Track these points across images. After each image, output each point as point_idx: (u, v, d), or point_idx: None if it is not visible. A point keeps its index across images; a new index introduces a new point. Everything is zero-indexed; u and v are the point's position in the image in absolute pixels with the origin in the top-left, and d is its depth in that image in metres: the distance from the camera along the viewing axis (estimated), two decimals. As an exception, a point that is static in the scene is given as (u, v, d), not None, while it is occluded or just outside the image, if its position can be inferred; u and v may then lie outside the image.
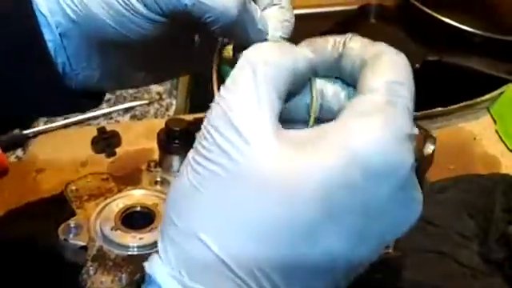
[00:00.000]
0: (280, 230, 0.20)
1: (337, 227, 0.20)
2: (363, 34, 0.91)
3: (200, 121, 0.50)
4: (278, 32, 0.27)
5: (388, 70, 0.23)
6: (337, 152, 0.20)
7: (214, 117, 0.22)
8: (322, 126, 0.22)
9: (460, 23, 0.63)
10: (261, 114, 0.21)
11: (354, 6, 0.77)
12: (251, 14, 0.26)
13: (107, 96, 0.68)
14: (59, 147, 0.58)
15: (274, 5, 0.28)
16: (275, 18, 0.27)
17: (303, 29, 0.90)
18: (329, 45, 0.24)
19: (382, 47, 0.24)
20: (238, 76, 0.22)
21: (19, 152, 0.58)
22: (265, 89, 0.22)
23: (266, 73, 0.22)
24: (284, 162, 0.20)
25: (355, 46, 0.24)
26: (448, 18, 0.64)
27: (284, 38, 0.27)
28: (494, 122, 0.57)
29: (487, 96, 0.58)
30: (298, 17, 0.96)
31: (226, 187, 0.21)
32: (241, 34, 0.26)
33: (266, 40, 0.26)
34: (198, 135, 0.23)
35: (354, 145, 0.20)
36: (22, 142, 0.59)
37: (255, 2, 0.27)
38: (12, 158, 0.57)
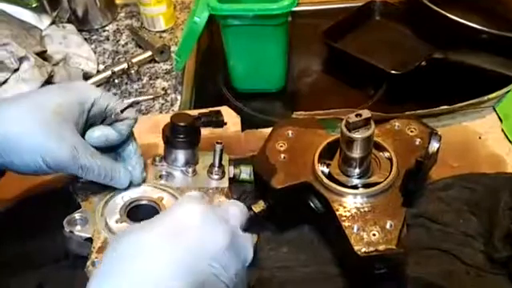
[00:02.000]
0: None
1: None
2: (368, 31, 0.91)
3: (205, 115, 0.51)
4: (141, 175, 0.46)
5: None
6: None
7: None
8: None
9: (466, 20, 0.62)
10: None
11: (359, 3, 0.77)
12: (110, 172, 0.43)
13: (112, 91, 0.69)
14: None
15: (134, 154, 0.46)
16: (138, 166, 0.46)
17: (308, 25, 0.90)
18: None
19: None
20: None
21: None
22: None
23: None
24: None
25: None
26: (454, 14, 0.63)
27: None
28: (500, 120, 0.57)
29: (493, 94, 0.57)
30: (302, 13, 0.95)
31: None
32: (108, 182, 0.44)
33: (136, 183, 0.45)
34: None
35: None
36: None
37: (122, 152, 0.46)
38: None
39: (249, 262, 0.35)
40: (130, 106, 0.44)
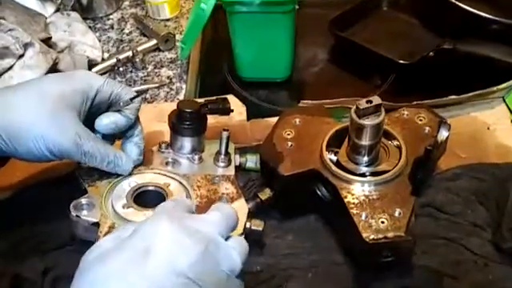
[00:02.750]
0: None
1: None
2: (376, 21, 0.89)
3: (211, 102, 0.50)
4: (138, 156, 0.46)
5: None
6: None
7: None
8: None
9: (476, 9, 0.61)
10: None
11: (367, -7, 0.76)
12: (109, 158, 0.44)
13: (117, 79, 0.69)
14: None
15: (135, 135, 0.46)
16: (137, 147, 0.46)
17: (315, 15, 0.88)
18: None
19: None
20: None
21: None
22: None
23: None
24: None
25: None
26: (463, 3, 0.62)
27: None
28: (510, 111, 0.56)
29: (503, 85, 0.57)
30: (310, 3, 0.94)
31: None
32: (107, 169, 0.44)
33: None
34: None
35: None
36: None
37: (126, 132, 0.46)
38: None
39: (236, 272, 0.32)
40: (138, 95, 0.44)
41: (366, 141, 0.42)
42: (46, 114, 0.40)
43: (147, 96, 0.66)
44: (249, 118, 0.58)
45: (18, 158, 0.42)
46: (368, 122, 0.41)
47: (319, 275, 0.43)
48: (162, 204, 0.35)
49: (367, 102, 0.40)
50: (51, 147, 0.40)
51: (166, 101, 0.65)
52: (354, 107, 0.41)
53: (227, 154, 0.48)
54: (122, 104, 0.43)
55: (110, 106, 0.44)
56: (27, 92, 0.41)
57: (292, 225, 0.47)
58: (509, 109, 0.57)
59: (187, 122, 0.47)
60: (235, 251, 0.33)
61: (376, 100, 0.40)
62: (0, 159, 0.44)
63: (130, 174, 0.45)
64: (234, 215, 0.35)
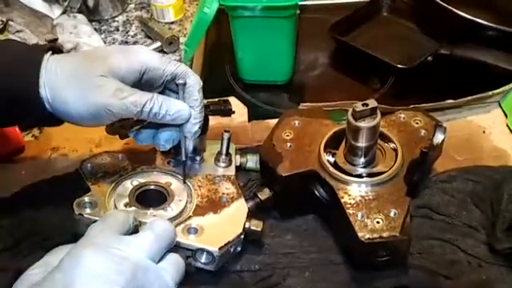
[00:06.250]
0: None
1: None
2: (375, 26, 0.90)
3: (213, 104, 0.51)
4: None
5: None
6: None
7: None
8: None
9: (473, 16, 0.63)
10: None
11: (368, -2, 0.77)
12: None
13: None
14: (74, 128, 0.59)
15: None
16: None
17: (316, 20, 0.90)
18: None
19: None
20: None
21: (35, 131, 0.60)
22: None
23: None
24: None
25: None
26: (461, 10, 0.63)
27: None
28: (506, 116, 0.57)
29: (498, 90, 0.58)
30: (311, 8, 0.95)
31: None
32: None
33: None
34: None
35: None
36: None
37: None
38: (28, 137, 0.59)
39: None
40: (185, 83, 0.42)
41: (362, 143, 0.43)
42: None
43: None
44: (250, 119, 0.59)
45: (69, 121, 0.41)
46: (364, 124, 0.42)
47: (317, 274, 0.44)
48: (90, 228, 0.34)
49: (363, 104, 0.41)
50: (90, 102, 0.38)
51: (168, 102, 0.66)
52: (351, 110, 0.42)
53: (228, 154, 0.49)
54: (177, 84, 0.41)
55: (166, 82, 0.42)
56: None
57: (290, 224, 0.48)
58: (504, 113, 0.58)
59: (189, 123, 0.48)
60: (167, 272, 0.32)
61: (372, 103, 0.41)
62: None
63: (133, 173, 0.46)
64: (169, 232, 0.34)
